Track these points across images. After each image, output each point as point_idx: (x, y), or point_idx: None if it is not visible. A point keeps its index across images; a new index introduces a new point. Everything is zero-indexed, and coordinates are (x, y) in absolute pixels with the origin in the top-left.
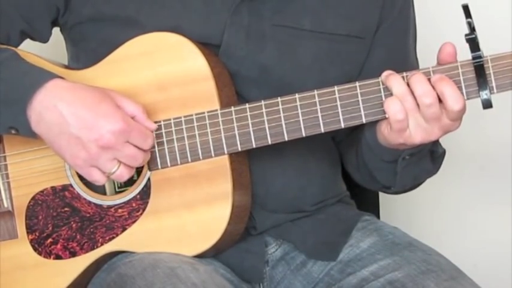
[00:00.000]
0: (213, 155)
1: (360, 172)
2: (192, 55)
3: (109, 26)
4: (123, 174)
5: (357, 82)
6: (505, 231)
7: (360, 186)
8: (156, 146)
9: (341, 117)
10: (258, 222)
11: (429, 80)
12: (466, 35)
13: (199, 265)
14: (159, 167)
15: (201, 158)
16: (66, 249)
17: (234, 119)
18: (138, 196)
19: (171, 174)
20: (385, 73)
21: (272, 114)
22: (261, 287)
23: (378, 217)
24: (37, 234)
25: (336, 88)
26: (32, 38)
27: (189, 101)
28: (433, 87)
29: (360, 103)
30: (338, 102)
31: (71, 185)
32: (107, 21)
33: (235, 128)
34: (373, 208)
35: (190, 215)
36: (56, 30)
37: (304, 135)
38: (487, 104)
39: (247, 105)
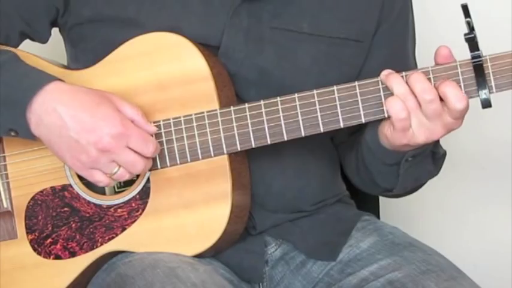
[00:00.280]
0: (212, 155)
1: (359, 176)
2: (191, 55)
3: (108, 26)
4: (124, 174)
5: (356, 82)
6: (505, 231)
7: None
8: None
9: (340, 117)
10: (257, 222)
11: (428, 79)
12: (465, 35)
13: (199, 265)
14: (159, 167)
15: (200, 158)
16: (66, 249)
17: (234, 119)
18: (137, 196)
19: (171, 174)
20: (385, 72)
21: (271, 114)
22: (261, 287)
23: (378, 217)
24: (37, 234)
25: (335, 88)
26: (32, 39)
27: (189, 101)
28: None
29: (359, 103)
30: (337, 102)
31: (70, 185)
32: (107, 22)
33: (235, 128)
34: (373, 208)
35: (189, 215)
36: (55, 31)
37: (303, 135)
38: (486, 104)
39: (246, 105)
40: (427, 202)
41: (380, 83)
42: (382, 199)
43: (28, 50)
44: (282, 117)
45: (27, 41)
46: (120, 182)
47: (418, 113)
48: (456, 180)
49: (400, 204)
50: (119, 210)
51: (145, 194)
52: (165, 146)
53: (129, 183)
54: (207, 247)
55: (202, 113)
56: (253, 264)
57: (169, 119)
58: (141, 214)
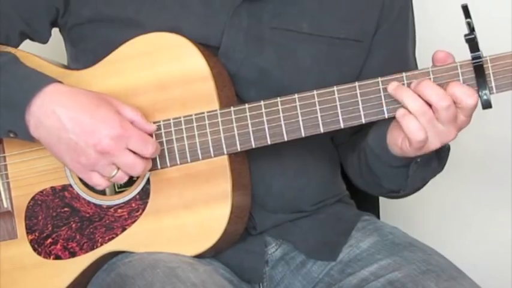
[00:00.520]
0: (212, 155)
1: (363, 177)
2: (191, 55)
3: (108, 27)
4: (123, 177)
5: (356, 82)
6: (505, 231)
7: None
8: None
9: (340, 117)
10: (257, 222)
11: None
12: (465, 35)
13: (198, 265)
14: (159, 167)
15: (200, 158)
16: (66, 249)
17: (234, 119)
18: (137, 196)
19: (171, 175)
20: (393, 85)
21: (271, 115)
22: (261, 287)
23: (378, 217)
24: (37, 234)
25: (335, 88)
26: (32, 39)
27: (189, 101)
28: None
29: (360, 103)
30: (337, 103)
31: (70, 185)
32: (107, 22)
33: (235, 128)
34: (373, 208)
35: (189, 215)
36: (55, 31)
37: (303, 135)
38: (487, 104)
39: (246, 106)
40: (427, 202)
41: (380, 83)
42: (382, 199)
43: (28, 50)
44: (282, 118)
45: (27, 41)
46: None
47: (435, 122)
48: (456, 181)
49: (400, 204)
50: (119, 210)
51: (145, 194)
52: (165, 146)
53: (129, 183)
54: (207, 247)
55: (203, 113)
56: (253, 265)
57: (169, 119)
58: (141, 214)
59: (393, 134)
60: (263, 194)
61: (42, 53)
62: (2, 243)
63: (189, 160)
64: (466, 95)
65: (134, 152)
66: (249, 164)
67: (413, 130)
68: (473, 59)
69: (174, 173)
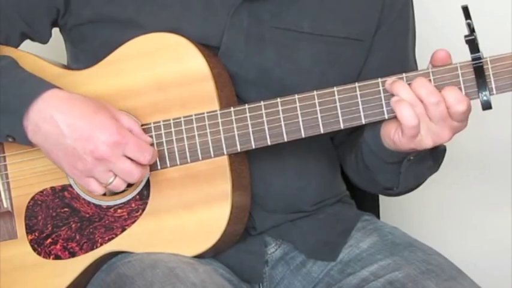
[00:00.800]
0: (212, 155)
1: (360, 175)
2: (191, 55)
3: (109, 27)
4: (119, 185)
5: (356, 83)
6: (505, 231)
7: None
8: (155, 147)
9: (340, 118)
10: (257, 223)
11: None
12: (465, 36)
13: (198, 265)
14: (159, 167)
15: (200, 158)
16: (66, 249)
17: (234, 120)
18: (137, 196)
19: (171, 175)
20: (389, 81)
21: (272, 115)
22: (261, 287)
23: (378, 217)
24: (36, 234)
25: (335, 89)
26: (32, 39)
27: (189, 101)
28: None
29: (360, 104)
30: (337, 103)
31: (70, 185)
32: (107, 22)
33: (235, 129)
34: (373, 208)
35: (189, 216)
36: (55, 30)
37: (303, 136)
38: (487, 105)
39: (246, 106)
40: (427, 202)
41: (380, 84)
42: (382, 199)
43: (28, 50)
44: (282, 118)
45: (27, 41)
46: None
47: (426, 119)
48: (456, 181)
49: (400, 204)
50: (119, 210)
51: (145, 194)
52: (165, 147)
53: (129, 183)
54: (207, 248)
55: (203, 113)
56: (253, 265)
57: (169, 120)
58: (141, 214)
59: (387, 126)
60: (263, 194)
61: (42, 53)
62: (2, 243)
63: (189, 160)
64: (456, 100)
65: (131, 159)
66: (249, 164)
67: (406, 115)
68: (473, 60)
69: (174, 173)
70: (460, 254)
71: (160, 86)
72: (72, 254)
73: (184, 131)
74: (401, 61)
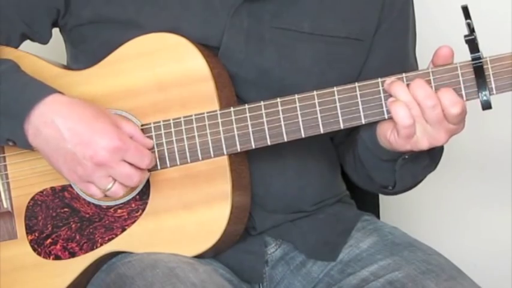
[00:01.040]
0: (212, 155)
1: (357, 173)
2: (191, 56)
3: (109, 28)
4: (118, 191)
5: (356, 83)
6: (505, 231)
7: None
8: (155, 147)
9: (340, 118)
10: (257, 223)
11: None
12: (465, 36)
13: (198, 265)
14: (159, 167)
15: (200, 158)
16: (66, 249)
17: (234, 120)
18: (137, 197)
19: (171, 175)
20: (388, 81)
21: (271, 115)
22: (261, 287)
23: (378, 217)
24: (36, 234)
25: (335, 89)
26: (32, 40)
27: (189, 101)
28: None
29: (359, 104)
30: (337, 104)
31: (70, 186)
32: (107, 23)
33: (235, 129)
34: (373, 208)
35: (189, 216)
36: (55, 30)
37: (303, 136)
38: (487, 105)
39: (246, 106)
40: (428, 202)
41: (380, 84)
42: (382, 199)
43: (28, 50)
44: (282, 118)
45: (27, 41)
46: None
47: (422, 121)
48: (456, 181)
49: (400, 204)
50: (119, 210)
51: (145, 194)
52: (165, 147)
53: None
54: (207, 248)
55: (203, 113)
56: (253, 265)
57: (169, 120)
58: (141, 215)
59: (383, 126)
60: (263, 194)
61: (42, 53)
62: (2, 243)
63: (189, 160)
64: (451, 103)
65: (130, 164)
66: (249, 164)
67: (400, 115)
68: (473, 59)
69: (173, 174)
70: (460, 254)
71: (160, 86)
72: (72, 254)
73: (184, 131)
74: (402, 60)
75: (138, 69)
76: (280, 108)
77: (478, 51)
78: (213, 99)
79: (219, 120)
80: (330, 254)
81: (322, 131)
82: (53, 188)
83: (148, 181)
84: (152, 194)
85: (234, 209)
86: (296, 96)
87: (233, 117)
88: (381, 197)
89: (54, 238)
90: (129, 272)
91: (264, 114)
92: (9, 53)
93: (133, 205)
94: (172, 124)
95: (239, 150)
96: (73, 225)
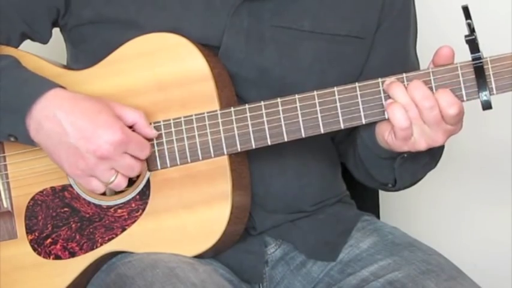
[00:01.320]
0: (212, 155)
1: (358, 170)
2: (191, 55)
3: (109, 28)
4: (121, 183)
5: (356, 83)
6: (505, 231)
7: (360, 186)
8: (155, 147)
9: (341, 118)
10: (257, 223)
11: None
12: (465, 36)
13: (198, 265)
14: (159, 167)
15: (200, 158)
16: (66, 249)
17: (234, 120)
18: (137, 196)
19: (171, 175)
20: (387, 81)
21: (272, 115)
22: (261, 287)
23: (378, 217)
24: (36, 234)
25: (335, 89)
26: (32, 39)
27: (189, 101)
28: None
29: (360, 104)
30: (338, 103)
31: (70, 185)
32: (107, 23)
33: (235, 129)
34: (373, 208)
35: (189, 216)
36: (55, 30)
37: (303, 136)
38: (487, 105)
39: (246, 106)
40: (428, 202)
41: (380, 84)
42: (382, 199)
43: (28, 50)
44: (282, 118)
45: (27, 41)
46: None
47: (420, 122)
48: (456, 181)
49: (400, 204)
50: (119, 210)
51: (145, 194)
52: (165, 147)
53: (128, 183)
54: (207, 248)
55: (203, 113)
56: (253, 265)
57: (169, 120)
58: (141, 214)
59: (381, 127)
60: (263, 194)
61: (42, 53)
62: (2, 243)
63: (189, 160)
64: (449, 104)
65: (131, 156)
66: (249, 164)
67: (397, 117)
68: (473, 60)
69: (174, 173)
70: (459, 254)
71: (160, 86)
72: (72, 254)
73: (184, 131)
74: (403, 58)
75: (138, 69)
76: (280, 108)
77: (479, 51)
78: (213, 99)
79: (219, 120)
80: (330, 254)
81: (322, 131)
82: (53, 188)
83: (148, 181)
84: (152, 194)
85: (234, 209)
86: (296, 96)
87: (233, 117)
88: (381, 197)
89: (54, 238)
90: (129, 272)
91: (264, 114)
92: (9, 52)
93: (133, 205)
94: (172, 124)
95: (239, 150)
96: (73, 225)
